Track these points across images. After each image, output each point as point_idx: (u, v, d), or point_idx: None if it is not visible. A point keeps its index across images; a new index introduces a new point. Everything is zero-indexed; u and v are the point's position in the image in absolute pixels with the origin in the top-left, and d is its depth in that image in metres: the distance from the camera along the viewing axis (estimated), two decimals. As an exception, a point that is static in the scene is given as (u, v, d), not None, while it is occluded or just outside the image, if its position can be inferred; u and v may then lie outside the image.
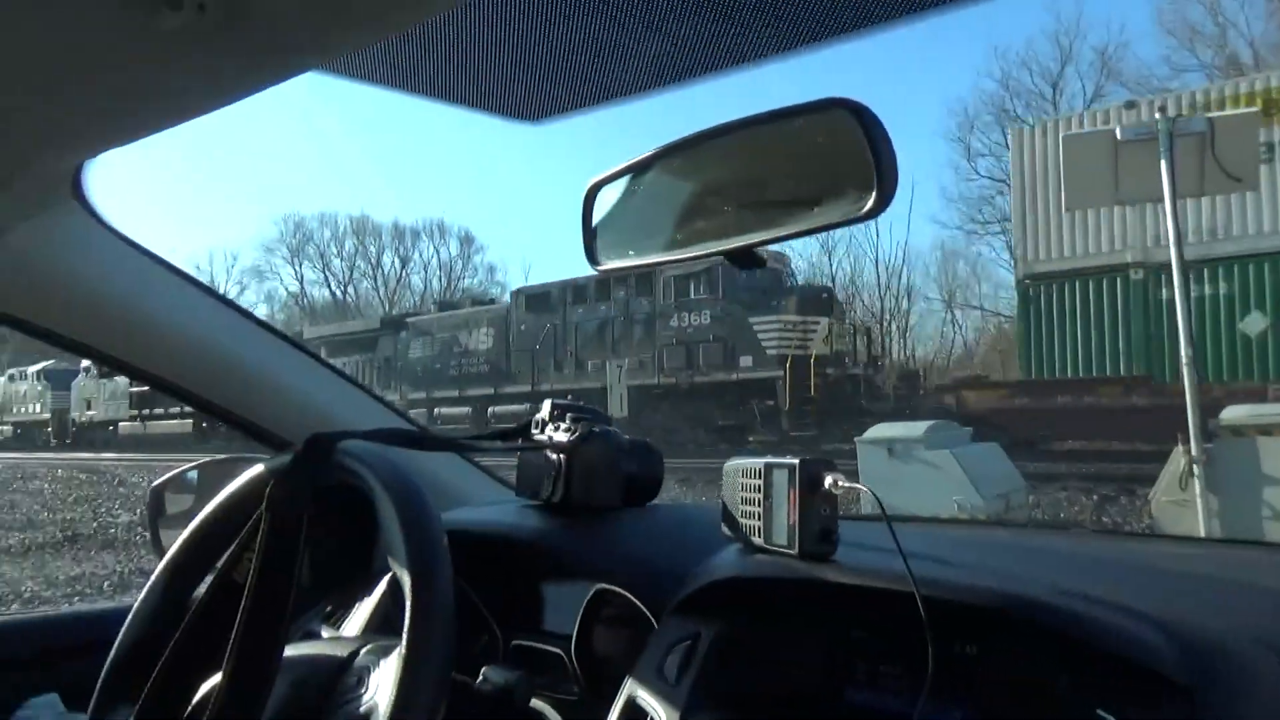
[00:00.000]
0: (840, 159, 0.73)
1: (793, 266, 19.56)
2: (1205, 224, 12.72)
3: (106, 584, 7.42)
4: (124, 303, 1.32)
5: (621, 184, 0.92)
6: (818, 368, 16.47)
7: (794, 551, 0.92)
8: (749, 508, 0.99)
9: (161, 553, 1.39)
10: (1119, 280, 13.54)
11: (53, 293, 1.26)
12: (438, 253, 50.87)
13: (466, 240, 51.09)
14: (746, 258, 0.80)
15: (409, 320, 24.16)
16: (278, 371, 1.48)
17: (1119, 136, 5.77)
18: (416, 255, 50.79)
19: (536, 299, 20.89)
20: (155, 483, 1.49)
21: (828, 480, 0.91)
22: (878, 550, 0.94)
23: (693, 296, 18.16)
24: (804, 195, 0.77)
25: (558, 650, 1.17)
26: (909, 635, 0.85)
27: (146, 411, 26.73)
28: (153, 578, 1.07)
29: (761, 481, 0.96)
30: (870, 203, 0.70)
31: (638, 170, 0.90)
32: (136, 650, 1.01)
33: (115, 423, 28.14)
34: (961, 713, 0.83)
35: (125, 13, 0.71)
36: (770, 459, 0.96)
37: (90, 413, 29.14)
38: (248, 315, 1.49)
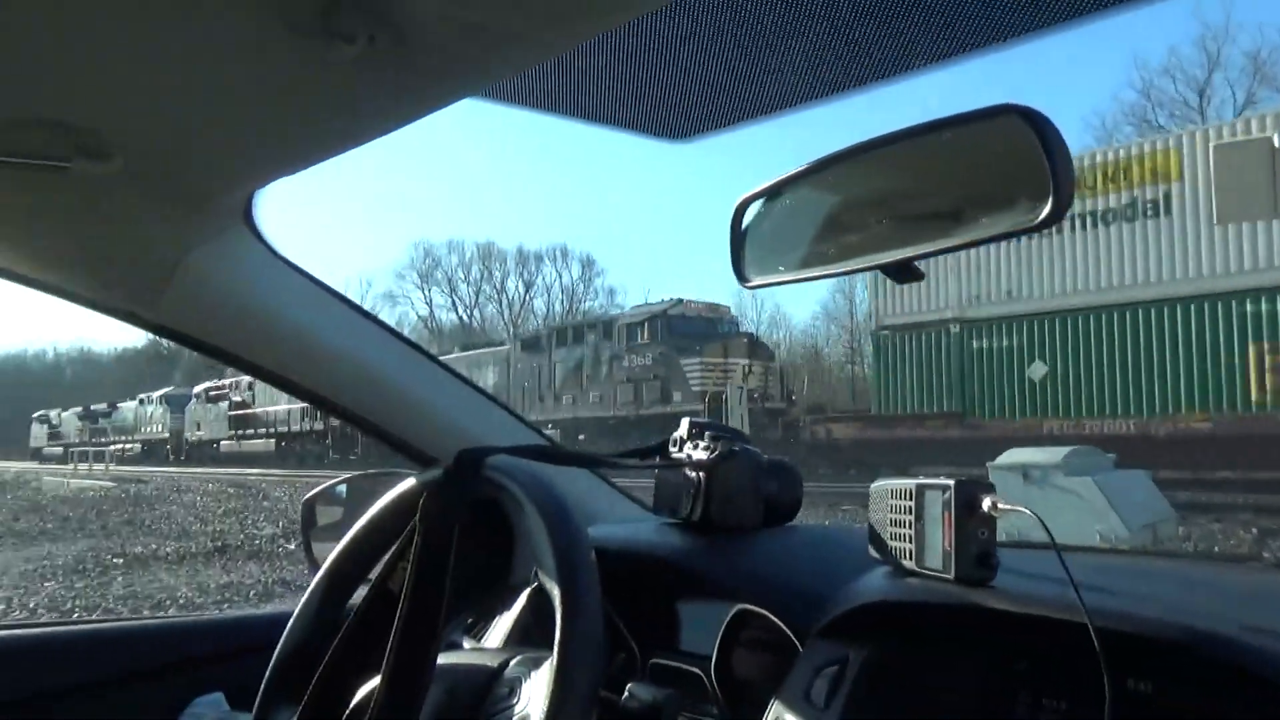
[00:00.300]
0: (1011, 166, 0.70)
1: (732, 315, 23.53)
2: (1003, 287, 16.21)
3: (253, 592, 7.81)
4: (288, 324, 1.39)
5: (773, 199, 0.91)
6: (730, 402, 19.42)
7: (950, 576, 0.88)
8: (899, 529, 0.96)
9: (313, 561, 1.45)
10: (941, 333, 16.92)
11: (223, 314, 1.35)
12: (560, 277, 52.33)
13: (588, 264, 52.37)
14: (904, 271, 0.78)
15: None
16: (422, 388, 1.53)
17: (1278, 144, 5.37)
18: (540, 279, 52.39)
19: (529, 342, 24.77)
20: (307, 496, 1.55)
21: (985, 502, 0.87)
22: (1038, 577, 0.89)
23: (639, 341, 21.59)
24: (970, 205, 0.75)
25: (696, 670, 1.15)
26: (1073, 668, 0.81)
27: (240, 432, 32.26)
28: (311, 586, 1.11)
29: (913, 503, 0.93)
30: (1045, 211, 0.67)
31: (789, 184, 0.89)
32: (297, 654, 1.05)
33: (218, 441, 33.52)
34: None
35: (302, 46, 0.76)
36: (922, 479, 0.93)
37: (199, 433, 34.79)
38: (396, 334, 1.54)
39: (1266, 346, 12.98)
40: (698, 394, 19.50)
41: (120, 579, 8.58)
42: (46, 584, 8.34)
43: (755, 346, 21.52)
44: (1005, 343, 16.00)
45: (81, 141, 0.99)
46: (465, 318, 52.38)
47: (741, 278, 0.94)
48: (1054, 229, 13.37)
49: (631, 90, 0.86)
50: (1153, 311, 14.14)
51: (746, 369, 20.19)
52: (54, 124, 0.96)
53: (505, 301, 52.88)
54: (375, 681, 0.92)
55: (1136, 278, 14.47)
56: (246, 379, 30.21)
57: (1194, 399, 13.89)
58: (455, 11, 0.67)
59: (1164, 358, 14.13)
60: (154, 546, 10.51)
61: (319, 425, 28.13)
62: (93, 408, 42.81)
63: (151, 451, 36.56)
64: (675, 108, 0.89)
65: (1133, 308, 14.35)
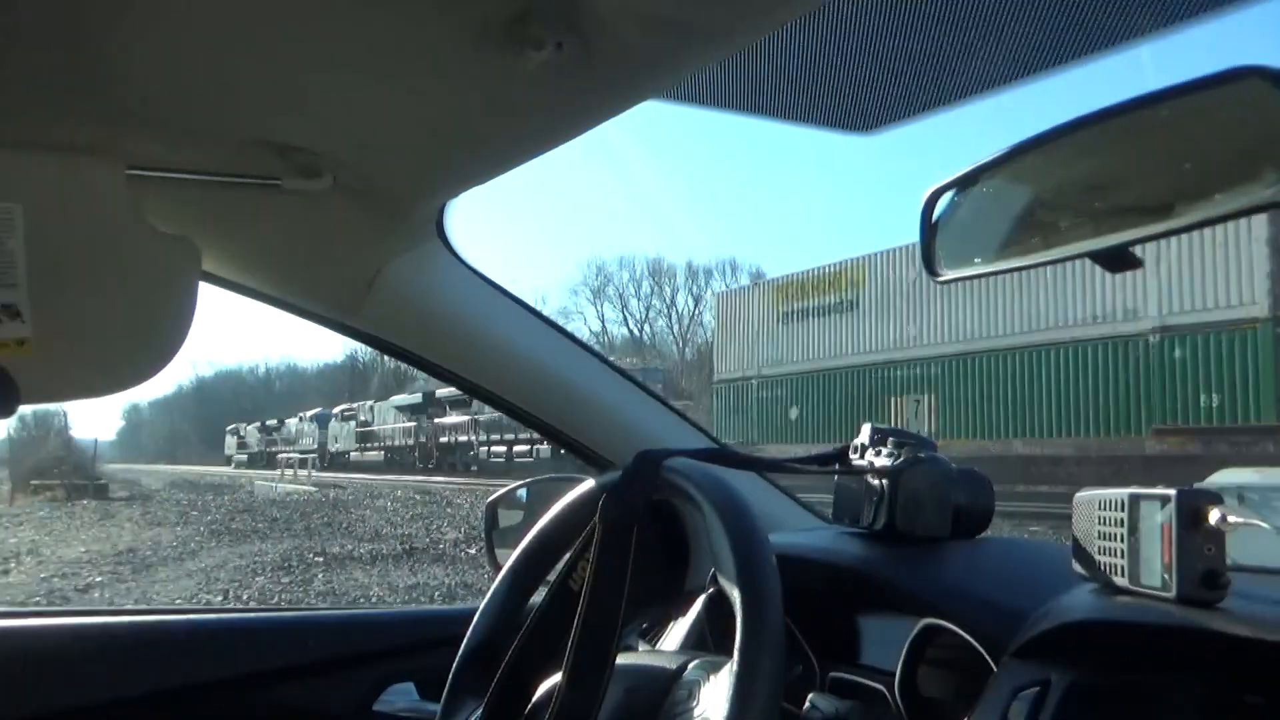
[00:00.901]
0: (1253, 135, 0.63)
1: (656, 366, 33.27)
2: (774, 355, 24.66)
3: (437, 594, 8.21)
4: (477, 332, 1.44)
5: (966, 188, 0.86)
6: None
7: (1170, 595, 0.80)
8: (1109, 543, 0.88)
9: (495, 562, 1.50)
10: (745, 386, 25.31)
11: (418, 322, 1.42)
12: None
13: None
14: (1120, 259, 0.71)
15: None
16: (600, 393, 1.55)
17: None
18: (709, 293, 52.76)
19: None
20: (490, 499, 1.60)
21: (1213, 515, 0.78)
22: (1273, 601, 0.80)
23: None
24: (1201, 182, 0.67)
25: (878, 686, 1.11)
26: None
27: (363, 446, 41.36)
28: (495, 584, 1.13)
29: (1125, 514, 0.85)
30: None
31: (984, 172, 0.83)
32: (481, 650, 1.08)
33: (348, 453, 42.59)
34: None
35: (493, 56, 0.78)
36: (1136, 489, 0.85)
37: (336, 445, 44.12)
38: (576, 341, 1.58)
39: (904, 399, 21.23)
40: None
41: (320, 576, 9.23)
42: (257, 579, 9.09)
43: (678, 392, 30.63)
44: (777, 393, 24.38)
45: (293, 160, 1.07)
46: (636, 332, 53.50)
47: (932, 270, 0.89)
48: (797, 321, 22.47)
49: (818, 82, 0.83)
50: (842, 375, 22.87)
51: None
52: (269, 145, 1.04)
53: (675, 316, 53.68)
54: (556, 678, 0.93)
55: (834, 352, 23.13)
56: (369, 402, 40.42)
57: (866, 432, 22.77)
58: (641, 7, 0.68)
59: (849, 404, 22.66)
60: (349, 547, 11.24)
61: (410, 441, 36.90)
62: (267, 423, 52.49)
63: (305, 460, 43.09)
64: (863, 98, 0.86)
65: (834, 371, 23.02)
